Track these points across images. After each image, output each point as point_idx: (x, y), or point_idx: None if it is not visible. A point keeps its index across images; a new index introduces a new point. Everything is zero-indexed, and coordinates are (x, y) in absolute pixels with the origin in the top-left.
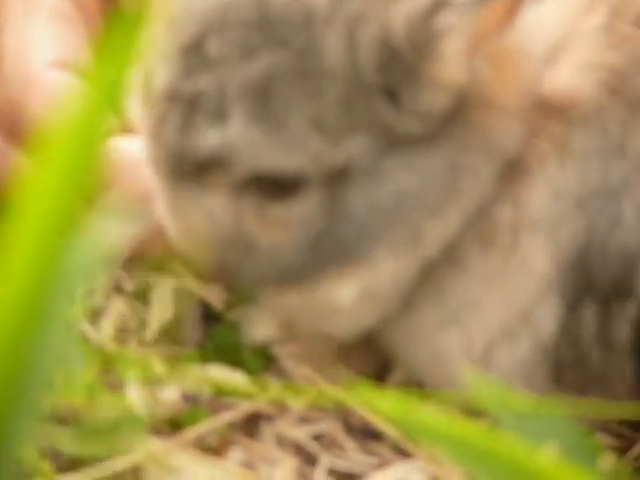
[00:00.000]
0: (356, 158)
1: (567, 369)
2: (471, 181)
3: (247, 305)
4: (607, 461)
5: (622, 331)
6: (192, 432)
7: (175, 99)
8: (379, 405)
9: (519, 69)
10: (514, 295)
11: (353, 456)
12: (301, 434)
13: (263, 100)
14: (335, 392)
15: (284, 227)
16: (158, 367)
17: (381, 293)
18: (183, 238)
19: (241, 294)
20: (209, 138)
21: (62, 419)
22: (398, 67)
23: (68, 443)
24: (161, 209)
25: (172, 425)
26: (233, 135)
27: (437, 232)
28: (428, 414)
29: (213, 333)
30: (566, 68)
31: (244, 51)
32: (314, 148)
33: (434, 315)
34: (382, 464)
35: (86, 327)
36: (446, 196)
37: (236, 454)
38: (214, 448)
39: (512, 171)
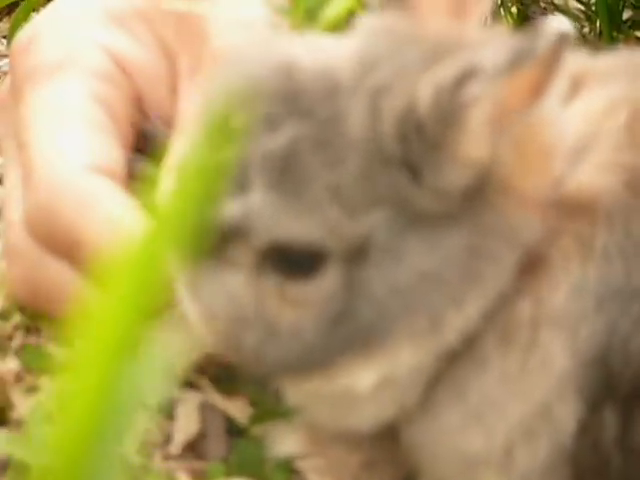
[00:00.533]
0: (376, 234)
1: (588, 475)
2: (490, 267)
3: (272, 419)
4: None
5: None
6: None
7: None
8: None
9: (544, 161)
10: (533, 393)
11: None
12: None
13: (284, 170)
14: None
15: (304, 306)
16: None
17: (400, 382)
18: (203, 321)
19: (267, 408)
20: (231, 209)
21: None
22: (421, 139)
23: None
24: (180, 293)
25: None
26: (253, 204)
27: (457, 321)
28: None
29: (237, 447)
30: (590, 167)
31: (268, 123)
32: (333, 219)
33: (455, 413)
34: None
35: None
36: (466, 280)
37: None
38: None
39: (534, 266)
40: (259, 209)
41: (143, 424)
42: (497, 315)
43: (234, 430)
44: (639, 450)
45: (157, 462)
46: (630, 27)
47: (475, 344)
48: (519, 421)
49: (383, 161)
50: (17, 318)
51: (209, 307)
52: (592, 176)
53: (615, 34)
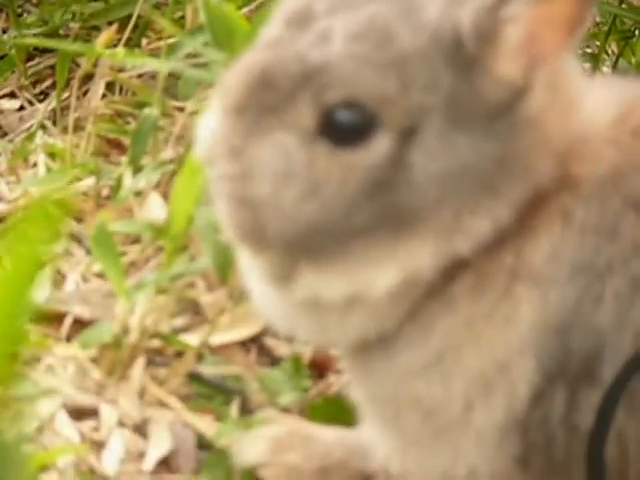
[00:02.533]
0: (427, 118)
1: (534, 449)
2: (505, 189)
3: (237, 432)
4: None
5: (586, 417)
6: None
7: (289, 23)
8: None
9: (566, 116)
10: (496, 345)
11: None
12: None
13: (365, 31)
14: None
15: (351, 170)
16: None
17: (410, 288)
18: (243, 179)
19: (232, 423)
20: (308, 55)
21: None
22: (463, 55)
23: None
24: (222, 148)
25: None
26: (334, 53)
27: (472, 227)
28: None
29: (207, 461)
30: (588, 150)
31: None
32: (403, 78)
33: (417, 354)
34: None
35: (91, 458)
36: (487, 190)
37: None
38: None
39: (523, 223)
40: (341, 55)
41: None
42: (477, 261)
43: (203, 445)
44: (582, 430)
45: (133, 477)
46: None
47: (449, 288)
48: (478, 372)
49: (443, 57)
50: None
51: (256, 163)
52: (588, 157)
53: None
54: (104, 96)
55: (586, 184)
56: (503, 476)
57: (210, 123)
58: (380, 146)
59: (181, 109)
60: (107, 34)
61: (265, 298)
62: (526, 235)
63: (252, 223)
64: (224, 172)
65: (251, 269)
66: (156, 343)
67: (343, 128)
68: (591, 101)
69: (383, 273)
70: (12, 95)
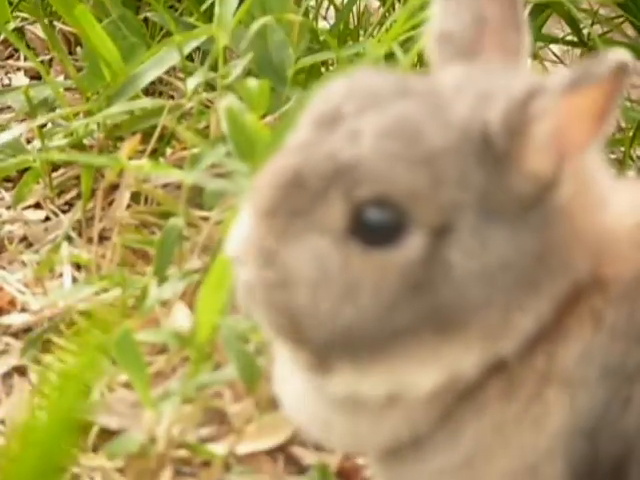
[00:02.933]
0: (462, 214)
1: None
2: (544, 283)
3: None
4: None
5: None
6: None
7: (318, 125)
8: None
9: (596, 213)
10: (526, 447)
11: None
12: None
13: (394, 129)
14: None
15: (386, 271)
16: None
17: (447, 390)
18: (279, 286)
19: None
20: (339, 152)
21: None
22: (492, 152)
23: None
24: (254, 253)
25: None
26: (365, 149)
27: (519, 325)
28: None
29: None
30: (616, 250)
31: (375, 103)
32: (434, 175)
33: (448, 457)
34: None
35: None
36: (529, 285)
37: None
38: None
39: (555, 323)
40: (371, 154)
41: None
42: (511, 360)
43: None
44: None
45: None
46: None
47: (478, 392)
48: (509, 476)
49: (473, 153)
50: None
51: (291, 269)
52: (615, 259)
53: None
54: (129, 206)
55: (615, 286)
56: None
57: (242, 225)
58: (414, 244)
59: (206, 219)
60: (130, 145)
61: (298, 398)
62: (558, 336)
63: (290, 326)
64: (259, 278)
65: (286, 363)
66: (183, 453)
67: (375, 227)
68: (617, 202)
69: (426, 373)
70: (37, 206)
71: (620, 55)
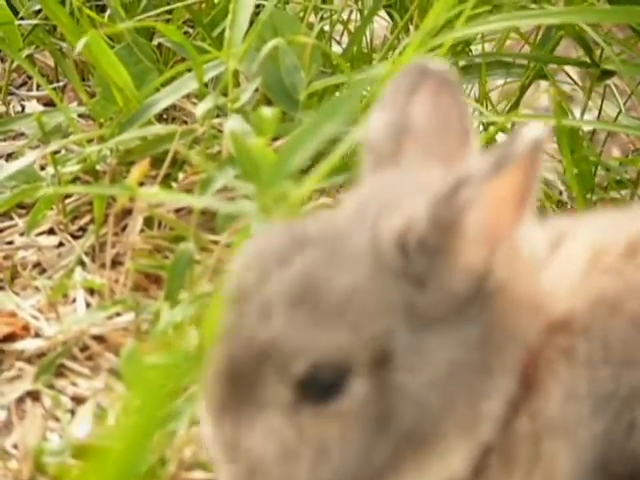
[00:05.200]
0: (395, 337)
1: None
2: (499, 362)
3: None
4: None
5: None
6: None
7: (233, 304)
8: None
9: (531, 276)
10: None
11: None
12: None
13: (301, 290)
14: None
15: (344, 421)
16: None
17: None
18: (251, 473)
19: None
20: (259, 335)
21: None
22: (423, 251)
23: None
24: (221, 451)
25: None
26: (278, 325)
27: (488, 412)
28: None
29: None
30: (564, 290)
31: (279, 261)
32: (352, 322)
33: None
34: None
35: None
36: (484, 372)
37: None
38: None
39: (527, 384)
40: (285, 329)
41: None
42: (501, 438)
43: None
44: None
45: None
46: (604, 189)
47: (480, 473)
48: None
49: (389, 272)
50: None
51: (256, 455)
52: (567, 296)
53: (589, 196)
54: (142, 231)
55: (578, 320)
56: None
57: (207, 429)
58: (359, 388)
59: (217, 242)
60: (139, 169)
61: None
62: (533, 393)
63: None
64: (231, 474)
65: None
66: (195, 475)
67: (317, 389)
68: (561, 255)
69: None
70: (51, 232)
71: (534, 131)
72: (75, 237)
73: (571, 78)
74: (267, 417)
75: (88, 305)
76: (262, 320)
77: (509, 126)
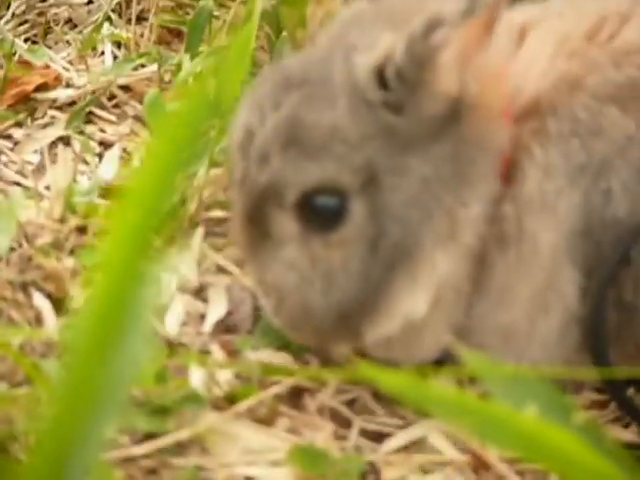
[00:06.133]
0: (378, 161)
1: (591, 335)
2: (473, 171)
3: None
4: (579, 417)
5: (629, 292)
6: (245, 405)
7: (238, 152)
8: (390, 381)
9: (499, 81)
10: (536, 272)
11: (381, 419)
12: (337, 403)
13: (292, 132)
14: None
15: (348, 246)
16: (215, 353)
17: (447, 296)
18: (272, 298)
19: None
20: (260, 179)
21: (137, 401)
22: (401, 82)
23: (142, 420)
24: (256, 288)
25: (228, 400)
26: (275, 167)
27: (467, 221)
28: (430, 388)
29: (261, 322)
30: (532, 77)
31: (273, 105)
32: (340, 156)
33: (480, 306)
34: (406, 425)
35: (155, 322)
36: (460, 184)
37: (284, 422)
38: (265, 419)
39: (508, 177)
40: (281, 168)
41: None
42: (492, 226)
43: (259, 307)
44: (629, 307)
45: (193, 338)
46: None
47: (483, 257)
48: (532, 297)
49: (366, 104)
50: (72, 222)
51: (279, 286)
52: (535, 83)
53: None
54: None
55: (547, 99)
56: (564, 364)
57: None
58: (359, 211)
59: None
60: None
61: None
62: (514, 178)
63: (310, 334)
64: (267, 308)
65: None
66: (214, 214)
67: (323, 218)
68: (527, 45)
69: (418, 298)
70: None
71: None
72: None
73: None
74: (283, 252)
75: (115, 57)
76: (261, 164)
77: None
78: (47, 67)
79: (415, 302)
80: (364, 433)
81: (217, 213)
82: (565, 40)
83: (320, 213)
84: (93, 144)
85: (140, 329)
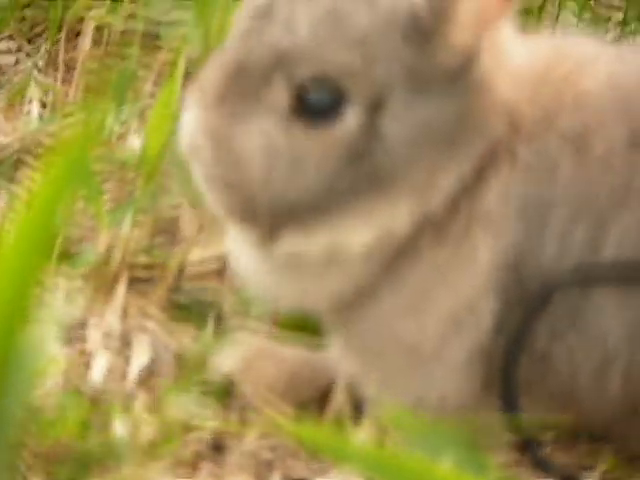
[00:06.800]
0: (392, 87)
1: (496, 376)
2: (465, 143)
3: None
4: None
5: (541, 340)
6: (167, 453)
7: (255, 17)
8: (308, 435)
9: (507, 81)
10: (461, 286)
11: (304, 464)
12: (260, 448)
13: (325, 16)
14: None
15: (329, 144)
16: (139, 402)
17: (383, 245)
18: (233, 165)
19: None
20: (280, 38)
21: (59, 452)
22: (419, 30)
23: (64, 471)
24: (207, 138)
25: (151, 449)
26: (301, 35)
27: (443, 183)
28: (346, 441)
29: (184, 368)
30: (522, 95)
31: None
32: (365, 53)
33: (394, 303)
34: (329, 469)
35: (77, 371)
36: (451, 145)
37: (207, 468)
38: (187, 466)
39: (478, 174)
40: (307, 39)
41: None
42: (446, 209)
43: (183, 354)
44: (540, 353)
45: (116, 387)
46: None
47: (413, 241)
48: (449, 312)
49: (400, 34)
50: None
51: (243, 149)
52: (525, 101)
53: None
54: (93, 39)
55: (526, 125)
56: (470, 399)
57: (191, 118)
58: (351, 120)
59: (160, 48)
60: None
61: (249, 268)
62: (480, 182)
63: (242, 204)
64: (211, 159)
65: (235, 237)
66: (139, 262)
67: (316, 105)
68: (523, 53)
69: (360, 231)
70: (10, 37)
71: None
72: (32, 44)
73: None
74: (263, 119)
75: (44, 106)
76: (286, 30)
77: None
78: None
79: (356, 233)
80: (287, 478)
81: (142, 261)
82: (556, 65)
83: (316, 101)
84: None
85: (27, 374)
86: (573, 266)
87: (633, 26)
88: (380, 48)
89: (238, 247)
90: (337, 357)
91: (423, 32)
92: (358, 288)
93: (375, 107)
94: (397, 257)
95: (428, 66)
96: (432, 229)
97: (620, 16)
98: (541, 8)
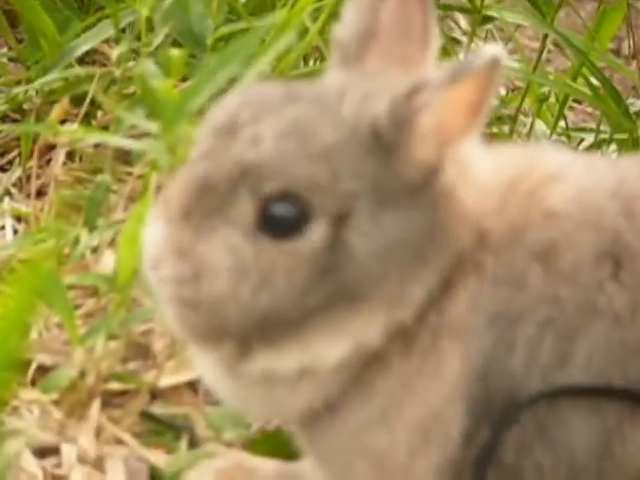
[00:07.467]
0: (358, 201)
1: None
2: (432, 257)
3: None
4: None
5: (510, 453)
6: None
7: (220, 131)
8: None
9: (473, 193)
10: (429, 395)
11: None
12: None
13: (290, 130)
14: None
15: (296, 259)
16: None
17: (354, 357)
18: (194, 278)
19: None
20: (243, 156)
21: None
22: (379, 143)
23: None
24: (170, 252)
25: None
26: (266, 151)
27: (415, 295)
28: None
29: None
30: (489, 211)
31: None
32: (331, 168)
33: (362, 413)
34: None
35: None
36: (420, 259)
37: None
38: None
39: (445, 285)
40: (272, 153)
41: None
42: (415, 319)
43: (156, 477)
44: (509, 468)
45: None
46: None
47: (382, 352)
48: (417, 422)
49: (363, 147)
50: None
51: (206, 262)
52: (492, 214)
53: None
54: (64, 164)
55: (493, 238)
56: None
57: (155, 232)
58: (317, 234)
59: (131, 174)
60: (60, 109)
61: (216, 380)
62: (447, 293)
63: (207, 322)
64: (173, 274)
65: (201, 358)
66: (112, 386)
67: (281, 220)
68: (489, 165)
69: (334, 346)
70: None
71: (494, 50)
72: (3, 170)
73: (457, 24)
74: (228, 233)
75: (16, 232)
76: (250, 145)
77: None
78: None
79: (329, 349)
80: None
81: (115, 385)
82: (521, 180)
83: (280, 216)
84: None
85: None
86: (541, 381)
87: (607, 135)
88: (344, 162)
89: (205, 367)
90: (310, 468)
91: (385, 145)
92: (327, 399)
93: (341, 221)
94: (367, 367)
95: (392, 179)
96: (401, 339)
97: (594, 125)
98: (515, 117)
